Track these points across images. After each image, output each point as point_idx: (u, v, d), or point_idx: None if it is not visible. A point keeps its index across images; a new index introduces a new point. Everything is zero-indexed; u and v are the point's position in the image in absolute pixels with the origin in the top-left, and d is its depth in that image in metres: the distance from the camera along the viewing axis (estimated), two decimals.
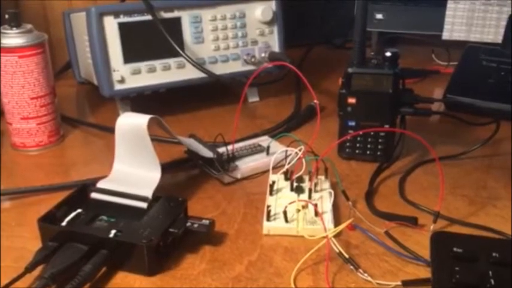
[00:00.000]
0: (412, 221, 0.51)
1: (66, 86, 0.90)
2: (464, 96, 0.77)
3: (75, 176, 0.62)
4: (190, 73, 0.74)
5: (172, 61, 0.74)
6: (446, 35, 0.92)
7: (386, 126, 0.61)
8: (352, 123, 0.63)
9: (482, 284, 0.39)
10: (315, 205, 0.51)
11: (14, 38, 0.63)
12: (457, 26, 0.92)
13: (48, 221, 0.47)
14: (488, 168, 0.63)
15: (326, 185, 0.56)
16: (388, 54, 0.60)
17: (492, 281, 0.39)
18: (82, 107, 0.86)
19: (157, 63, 0.73)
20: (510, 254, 0.41)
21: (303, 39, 1.04)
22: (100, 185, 0.52)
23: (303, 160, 0.56)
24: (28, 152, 0.68)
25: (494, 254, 0.41)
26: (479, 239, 0.46)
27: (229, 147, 0.61)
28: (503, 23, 0.89)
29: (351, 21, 0.99)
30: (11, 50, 0.63)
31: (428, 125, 0.76)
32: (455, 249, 0.42)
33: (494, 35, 0.90)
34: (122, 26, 0.70)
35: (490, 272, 0.40)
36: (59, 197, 0.51)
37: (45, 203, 0.54)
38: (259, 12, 0.78)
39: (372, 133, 0.62)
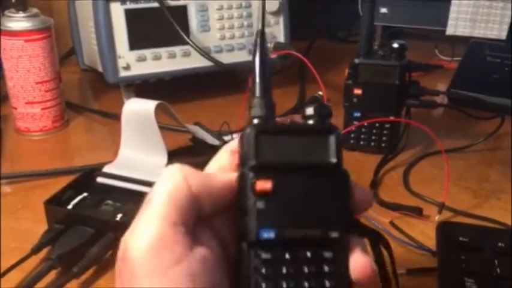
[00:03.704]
0: (417, 212, 0.51)
1: (69, 72, 0.89)
2: (467, 90, 0.77)
3: (79, 161, 0.62)
4: (196, 61, 0.74)
5: (177, 49, 0.73)
6: (450, 30, 0.92)
7: (392, 118, 0.61)
8: (357, 114, 0.63)
9: (488, 273, 0.39)
10: None
11: (20, 22, 0.63)
12: (461, 21, 0.92)
13: (54, 203, 0.47)
14: (491, 162, 0.64)
15: None
16: (395, 45, 0.60)
17: (498, 270, 0.39)
18: (85, 94, 0.86)
19: (163, 51, 0.73)
20: None
21: (306, 32, 1.03)
22: (106, 169, 0.52)
23: None
24: (32, 137, 0.68)
25: (500, 244, 0.42)
26: (484, 229, 0.46)
27: (235, 135, 0.61)
28: (508, 19, 0.89)
29: (354, 15, 1.00)
30: (17, 33, 0.63)
31: (431, 118, 0.76)
32: (461, 238, 0.42)
33: (498, 31, 0.90)
34: (128, 13, 0.70)
35: (496, 261, 0.40)
36: (64, 181, 0.51)
37: (49, 187, 0.54)
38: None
39: (377, 124, 0.62)
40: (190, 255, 0.25)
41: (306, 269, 0.27)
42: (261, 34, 0.31)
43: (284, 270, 0.27)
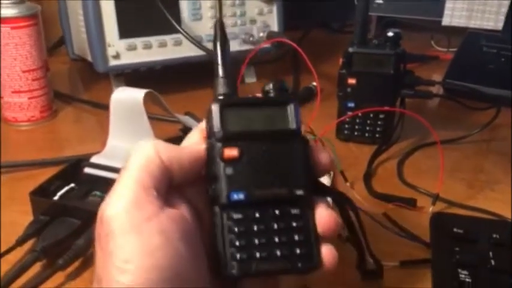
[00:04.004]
0: (411, 203, 0.50)
1: (58, 62, 0.88)
2: (463, 81, 0.76)
3: (68, 151, 0.60)
4: (187, 51, 0.73)
5: (168, 38, 0.72)
6: (446, 21, 0.91)
7: (386, 108, 0.60)
8: (351, 105, 0.62)
9: (482, 264, 0.39)
10: None
11: (6, 9, 0.62)
12: (457, 12, 0.91)
13: (40, 194, 0.46)
14: (486, 152, 0.63)
15: None
16: (390, 34, 0.59)
17: (492, 262, 0.39)
18: (75, 84, 0.84)
19: (154, 40, 0.71)
20: (510, 236, 0.41)
21: (300, 22, 1.02)
22: (94, 160, 0.51)
23: None
24: (19, 127, 0.67)
25: (494, 235, 0.41)
26: (479, 221, 0.46)
27: None
28: (504, 9, 0.88)
29: (349, 5, 0.99)
30: (4, 20, 0.61)
31: (426, 109, 0.75)
32: (455, 230, 0.42)
33: (494, 22, 0.89)
34: (118, 0, 0.68)
35: (491, 253, 0.39)
36: (51, 172, 0.50)
37: (36, 177, 0.53)
38: None
39: (371, 115, 0.61)
40: (161, 214, 0.27)
41: (275, 226, 0.30)
42: (219, 20, 0.36)
43: (255, 228, 0.30)
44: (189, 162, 0.30)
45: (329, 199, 0.34)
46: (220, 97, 0.33)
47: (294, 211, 0.30)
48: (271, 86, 0.33)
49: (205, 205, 0.31)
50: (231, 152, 0.30)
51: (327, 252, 0.31)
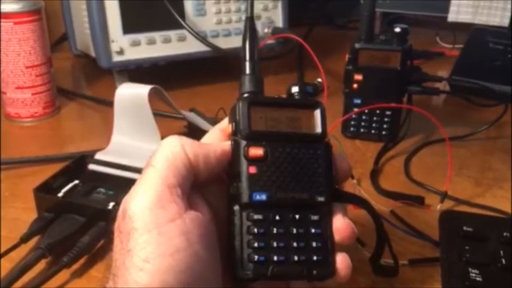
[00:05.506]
0: (419, 201, 0.50)
1: (61, 58, 0.87)
2: (470, 77, 0.75)
3: (71, 148, 0.60)
4: (191, 46, 0.72)
5: (173, 33, 0.71)
6: (452, 17, 0.90)
7: (393, 104, 0.60)
8: (357, 101, 0.61)
9: (493, 263, 0.38)
10: None
11: (9, 4, 0.61)
12: (463, 7, 0.90)
13: (44, 191, 0.46)
14: (493, 150, 0.62)
15: None
16: (397, 30, 0.58)
17: (503, 260, 0.38)
18: (78, 80, 0.84)
19: (158, 35, 0.71)
20: None
21: (304, 19, 1.01)
22: (98, 156, 0.51)
23: None
24: (22, 123, 0.66)
25: (505, 234, 0.40)
26: (489, 219, 0.45)
27: None
28: (510, 5, 0.87)
29: (353, 2, 0.98)
30: (7, 15, 0.61)
31: (432, 106, 0.74)
32: (465, 228, 0.41)
33: (500, 18, 0.89)
34: None
35: (501, 252, 0.39)
36: (54, 168, 0.49)
37: (40, 174, 0.52)
38: None
39: (378, 111, 0.61)
40: (184, 215, 0.27)
41: (294, 230, 0.30)
42: (250, 17, 0.35)
43: (274, 231, 0.29)
44: (215, 160, 0.30)
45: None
46: (246, 95, 0.32)
47: (314, 217, 0.30)
48: (297, 89, 0.33)
49: (223, 205, 0.31)
50: (257, 151, 0.30)
51: (342, 260, 0.31)
